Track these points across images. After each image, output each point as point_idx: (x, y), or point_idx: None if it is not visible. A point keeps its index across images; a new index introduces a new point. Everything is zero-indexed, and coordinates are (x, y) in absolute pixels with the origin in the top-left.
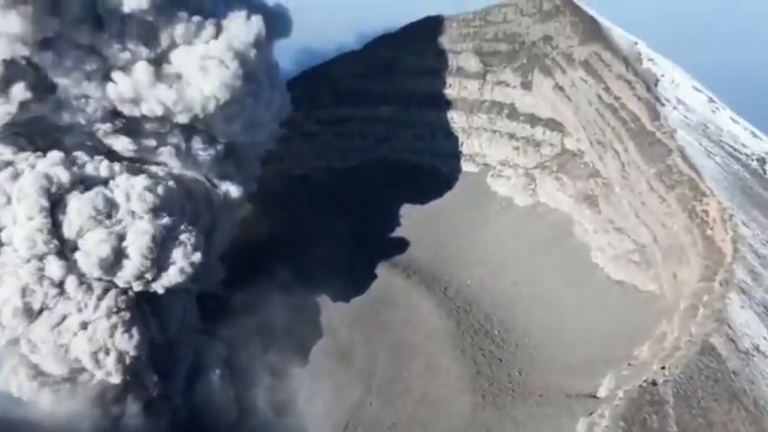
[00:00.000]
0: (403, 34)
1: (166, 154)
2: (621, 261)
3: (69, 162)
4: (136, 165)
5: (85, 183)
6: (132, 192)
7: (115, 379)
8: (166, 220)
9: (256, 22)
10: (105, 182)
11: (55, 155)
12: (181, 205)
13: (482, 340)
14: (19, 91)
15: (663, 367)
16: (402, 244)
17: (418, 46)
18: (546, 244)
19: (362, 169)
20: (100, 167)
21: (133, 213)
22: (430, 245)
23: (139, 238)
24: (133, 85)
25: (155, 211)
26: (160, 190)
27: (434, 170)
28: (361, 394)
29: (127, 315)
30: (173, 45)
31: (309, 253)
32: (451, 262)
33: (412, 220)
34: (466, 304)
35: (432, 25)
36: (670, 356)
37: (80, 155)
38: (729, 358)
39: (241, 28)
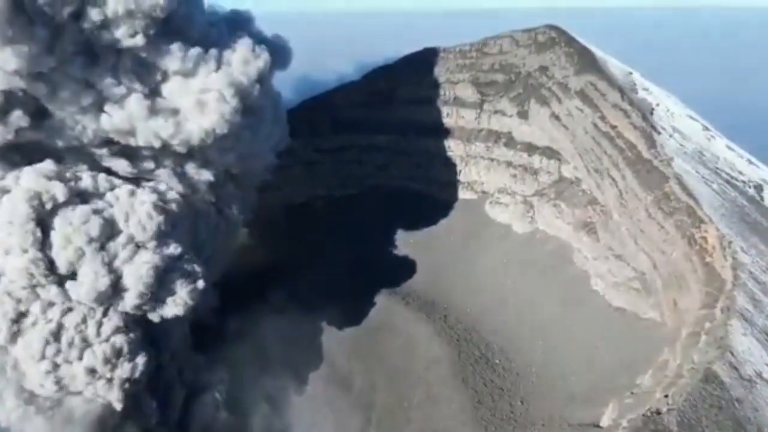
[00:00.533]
0: (401, 65)
1: (164, 175)
2: (621, 288)
3: (62, 173)
4: (139, 180)
5: (81, 197)
6: (134, 214)
7: (117, 405)
8: (171, 249)
9: (262, 57)
10: (103, 196)
11: (46, 166)
12: (188, 229)
13: (483, 369)
14: (17, 118)
15: (666, 396)
16: (401, 272)
17: (416, 76)
18: (546, 272)
19: (361, 197)
20: (99, 179)
21: (134, 240)
22: (429, 273)
23: (139, 270)
24: (128, 118)
25: (161, 238)
26: (170, 207)
27: (432, 198)
28: (361, 424)
29: (130, 336)
30: (170, 78)
31: (307, 280)
32: (450, 290)
33: (411, 247)
34: (466, 332)
35: (430, 57)
36: (673, 384)
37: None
38: (732, 385)
39: (245, 62)
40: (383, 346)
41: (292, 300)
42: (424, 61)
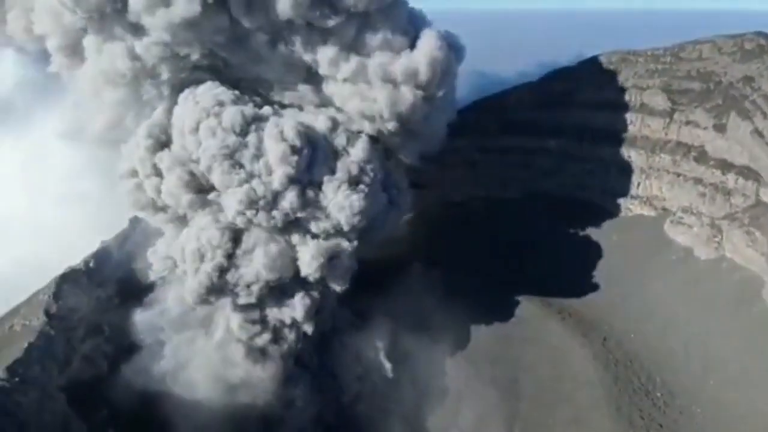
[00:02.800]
0: (583, 66)
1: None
2: None
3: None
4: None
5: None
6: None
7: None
8: (346, 244)
9: (446, 82)
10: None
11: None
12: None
13: (641, 400)
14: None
15: None
16: (559, 285)
17: (598, 79)
18: (728, 306)
19: (523, 201)
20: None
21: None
22: (592, 290)
23: (308, 258)
24: (299, 101)
25: (351, 233)
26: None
27: (603, 210)
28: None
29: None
30: (336, 82)
31: (454, 277)
32: (613, 312)
33: (573, 261)
34: (626, 358)
35: (616, 60)
36: None
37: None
38: None
39: (424, 79)
40: (531, 357)
41: (435, 292)
42: (609, 63)
